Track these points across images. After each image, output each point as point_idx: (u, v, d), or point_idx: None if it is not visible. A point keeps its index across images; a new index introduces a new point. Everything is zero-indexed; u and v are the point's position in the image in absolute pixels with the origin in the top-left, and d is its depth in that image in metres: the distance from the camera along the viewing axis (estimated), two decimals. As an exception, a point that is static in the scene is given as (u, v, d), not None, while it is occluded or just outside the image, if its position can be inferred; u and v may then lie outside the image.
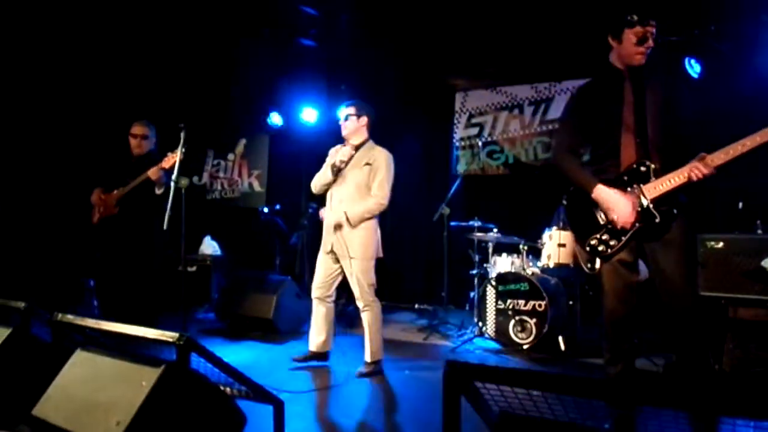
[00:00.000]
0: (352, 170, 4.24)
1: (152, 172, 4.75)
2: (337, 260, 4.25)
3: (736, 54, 4.98)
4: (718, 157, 2.65)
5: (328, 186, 4.34)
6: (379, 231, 4.31)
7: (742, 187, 4.69)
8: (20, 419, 2.44)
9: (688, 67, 5.14)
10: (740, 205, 4.68)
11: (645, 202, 2.79)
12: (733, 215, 4.76)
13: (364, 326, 4.25)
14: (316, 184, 4.41)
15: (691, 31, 2.82)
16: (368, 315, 4.22)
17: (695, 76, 4.65)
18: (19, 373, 2.71)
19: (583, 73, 6.66)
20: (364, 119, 4.31)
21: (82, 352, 2.49)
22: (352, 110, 4.29)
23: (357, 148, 4.29)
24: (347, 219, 4.14)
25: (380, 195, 4.19)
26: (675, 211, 2.78)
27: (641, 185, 2.82)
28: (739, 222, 4.51)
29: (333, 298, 4.40)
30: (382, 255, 4.35)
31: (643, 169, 2.82)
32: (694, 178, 2.69)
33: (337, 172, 4.27)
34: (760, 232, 4.18)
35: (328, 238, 4.29)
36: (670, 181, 2.76)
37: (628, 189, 2.84)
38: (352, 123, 4.28)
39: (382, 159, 4.22)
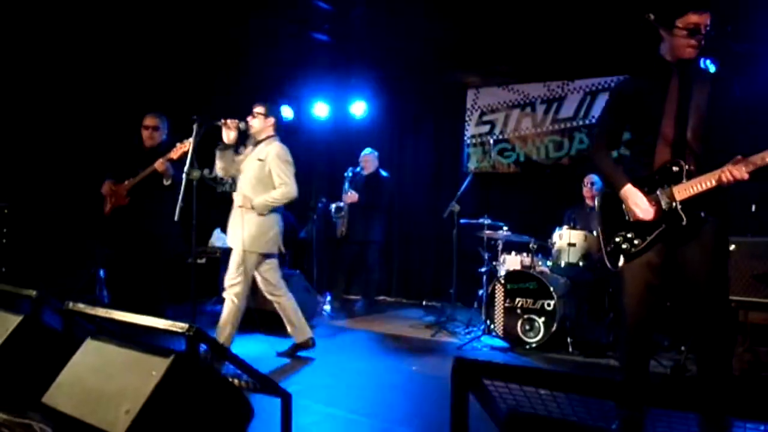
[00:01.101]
0: (249, 164, 4.37)
1: (158, 164, 4.80)
2: None
3: (753, 55, 4.94)
4: (753, 162, 2.54)
5: (224, 168, 4.42)
6: (277, 227, 4.38)
7: (755, 190, 4.66)
8: (30, 407, 2.46)
9: (703, 67, 5.09)
10: (753, 207, 4.65)
11: (673, 203, 2.72)
12: (745, 218, 4.73)
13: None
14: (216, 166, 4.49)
15: (708, 31, 2.73)
16: (227, 305, 4.25)
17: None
18: (30, 361, 2.73)
19: (595, 72, 6.72)
20: (271, 119, 4.46)
21: (92, 341, 2.51)
22: (261, 109, 4.41)
23: (258, 143, 4.42)
24: (252, 206, 4.22)
25: (282, 185, 4.28)
26: (703, 214, 2.69)
27: (671, 186, 2.74)
28: (751, 225, 4.48)
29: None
30: (284, 251, 4.50)
31: (675, 169, 2.75)
32: (725, 181, 2.59)
33: (223, 148, 4.35)
34: (772, 235, 4.16)
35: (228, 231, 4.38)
36: (701, 184, 2.66)
37: (659, 189, 2.78)
38: (259, 121, 4.41)
39: (272, 153, 4.32)
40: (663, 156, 2.80)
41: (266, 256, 4.40)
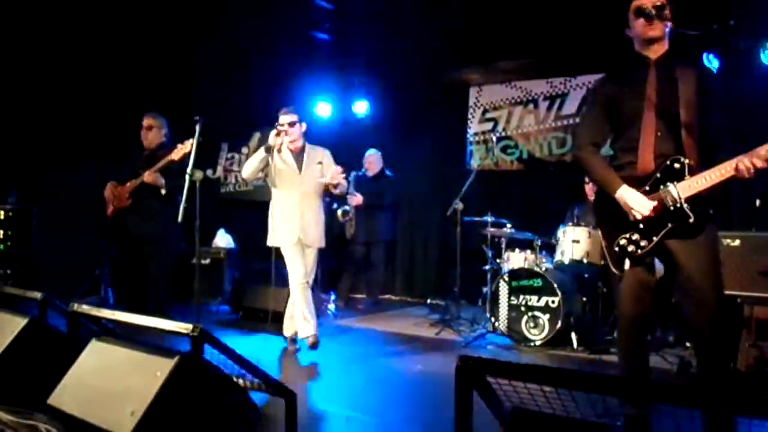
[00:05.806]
0: (307, 169, 4.56)
1: (146, 176, 4.81)
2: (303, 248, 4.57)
3: (755, 49, 4.93)
4: None
5: (262, 169, 4.54)
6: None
7: (759, 184, 4.64)
8: (36, 408, 2.47)
9: (706, 62, 5.07)
10: (757, 202, 4.62)
11: (679, 201, 2.60)
12: (749, 213, 4.71)
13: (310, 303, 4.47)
14: (249, 168, 4.55)
15: (710, 25, 2.68)
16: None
17: (713, 71, 4.61)
18: (36, 363, 2.74)
19: (598, 68, 6.69)
20: (304, 125, 4.62)
21: (97, 342, 2.52)
22: (295, 117, 4.53)
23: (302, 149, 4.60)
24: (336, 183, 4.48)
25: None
26: (711, 211, 2.61)
27: (675, 183, 2.62)
28: (755, 220, 4.46)
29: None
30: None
31: (677, 165, 2.63)
32: (745, 174, 2.45)
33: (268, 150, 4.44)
34: (777, 230, 4.14)
35: (293, 230, 4.53)
36: (707, 178, 2.54)
37: (660, 187, 2.65)
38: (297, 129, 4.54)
39: (329, 155, 4.66)
40: (648, 151, 2.69)
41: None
